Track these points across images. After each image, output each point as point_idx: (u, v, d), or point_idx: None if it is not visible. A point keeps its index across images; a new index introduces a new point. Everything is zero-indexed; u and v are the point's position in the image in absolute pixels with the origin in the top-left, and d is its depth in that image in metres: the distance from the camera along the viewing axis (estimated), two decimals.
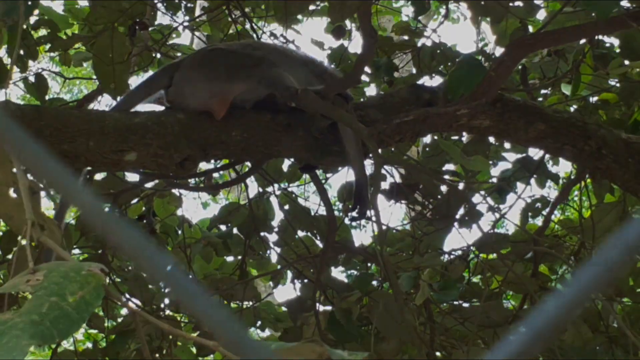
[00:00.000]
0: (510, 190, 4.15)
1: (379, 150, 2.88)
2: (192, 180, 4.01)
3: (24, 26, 4.07)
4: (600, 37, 3.96)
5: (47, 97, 4.16)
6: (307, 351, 0.93)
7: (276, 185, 4.17)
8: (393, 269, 3.21)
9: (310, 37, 4.65)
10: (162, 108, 2.93)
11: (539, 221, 4.38)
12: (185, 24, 4.40)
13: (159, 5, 4.32)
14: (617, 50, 3.88)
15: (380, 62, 3.77)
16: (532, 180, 4.19)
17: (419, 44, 4.03)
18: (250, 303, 4.15)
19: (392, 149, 3.86)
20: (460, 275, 4.03)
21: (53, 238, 1.40)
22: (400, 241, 4.18)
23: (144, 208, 4.18)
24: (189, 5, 4.42)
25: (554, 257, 3.96)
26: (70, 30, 4.26)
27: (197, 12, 4.75)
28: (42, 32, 4.14)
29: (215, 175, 4.49)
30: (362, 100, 3.31)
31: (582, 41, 3.71)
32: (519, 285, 4.00)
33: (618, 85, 3.95)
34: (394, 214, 11.20)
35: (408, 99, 3.08)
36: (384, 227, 3.45)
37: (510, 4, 3.47)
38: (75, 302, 1.00)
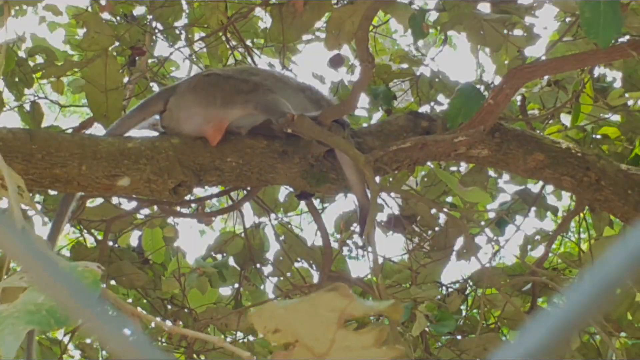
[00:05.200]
0: (509, 222, 4.11)
1: (377, 179, 2.83)
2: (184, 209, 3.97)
3: (21, 53, 4.05)
4: (601, 71, 3.95)
5: (43, 126, 4.12)
6: (327, 303, 0.84)
7: (272, 215, 4.13)
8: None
9: (311, 72, 4.64)
10: (155, 133, 2.90)
11: (537, 253, 4.33)
12: (183, 50, 4.37)
13: (158, 33, 4.30)
14: (618, 84, 3.86)
15: (378, 90, 3.75)
16: (532, 213, 4.15)
17: (418, 73, 4.01)
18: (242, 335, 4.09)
19: (390, 179, 3.82)
20: (457, 308, 3.97)
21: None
22: (398, 273, 4.13)
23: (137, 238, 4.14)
24: (188, 35, 4.40)
25: (552, 289, 3.90)
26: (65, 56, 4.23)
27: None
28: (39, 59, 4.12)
29: (214, 201, 4.45)
30: (359, 127, 3.27)
31: (582, 70, 3.68)
32: (515, 321, 3.94)
33: (617, 118, 3.93)
34: (391, 245, 11.13)
35: (406, 127, 3.05)
36: (380, 258, 3.41)
37: (509, 33, 3.45)
38: None
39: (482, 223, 4.16)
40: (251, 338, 4.20)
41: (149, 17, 4.19)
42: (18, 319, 0.89)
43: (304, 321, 0.86)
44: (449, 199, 4.23)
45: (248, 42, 4.28)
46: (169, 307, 4.07)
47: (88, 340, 4.35)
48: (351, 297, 0.84)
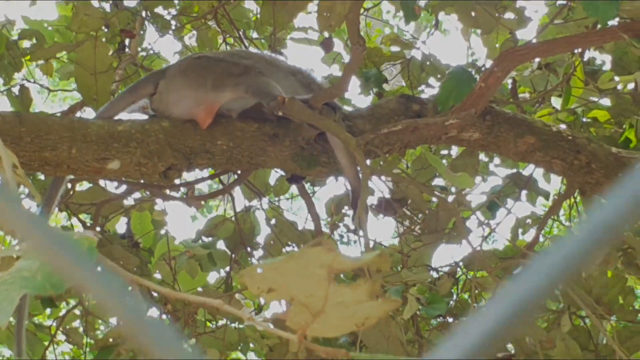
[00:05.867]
0: (501, 206, 4.11)
1: (368, 162, 2.83)
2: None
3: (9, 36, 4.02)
4: (591, 54, 3.94)
5: (31, 110, 4.09)
6: (315, 259, 0.83)
7: (263, 199, 4.12)
8: (380, 283, 3.16)
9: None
10: (145, 116, 2.88)
11: (528, 237, 4.33)
12: (173, 35, 4.34)
13: (147, 18, 4.26)
14: (608, 67, 3.86)
15: (369, 73, 3.73)
16: (523, 196, 4.15)
17: (409, 56, 3.99)
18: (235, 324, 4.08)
19: (381, 162, 3.82)
20: (448, 291, 3.98)
21: None
22: (389, 256, 4.12)
23: (125, 223, 4.12)
24: (178, 24, 4.36)
25: None
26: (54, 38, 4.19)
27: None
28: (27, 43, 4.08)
29: (203, 186, 4.43)
30: (350, 110, 3.26)
31: (573, 53, 3.68)
32: None
33: (607, 101, 3.93)
34: (382, 228, 11.15)
35: (397, 110, 3.04)
36: (371, 242, 3.40)
37: (501, 16, 3.44)
38: None
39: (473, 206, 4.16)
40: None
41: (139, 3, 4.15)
42: (12, 284, 0.89)
43: (295, 279, 0.85)
44: (441, 182, 4.22)
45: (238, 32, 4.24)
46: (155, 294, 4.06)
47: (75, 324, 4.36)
48: (335, 251, 0.83)
